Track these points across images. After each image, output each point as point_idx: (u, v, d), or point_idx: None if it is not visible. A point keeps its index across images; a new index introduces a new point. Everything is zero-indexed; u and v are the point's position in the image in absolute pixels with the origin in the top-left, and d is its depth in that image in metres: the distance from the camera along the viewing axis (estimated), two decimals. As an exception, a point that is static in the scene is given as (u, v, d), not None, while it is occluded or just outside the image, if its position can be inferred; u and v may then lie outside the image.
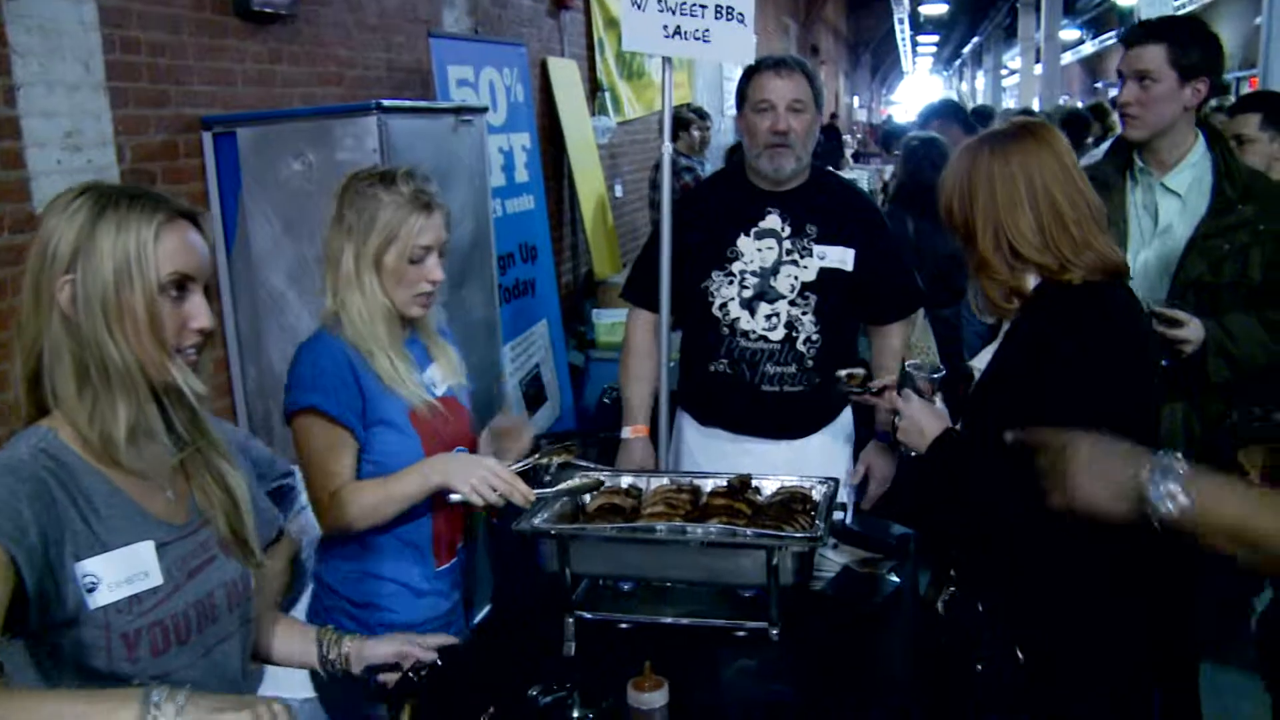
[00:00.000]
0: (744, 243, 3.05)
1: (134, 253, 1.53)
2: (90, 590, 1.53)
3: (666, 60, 3.20)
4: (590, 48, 8.18)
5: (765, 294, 3.04)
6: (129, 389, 1.56)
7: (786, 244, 3.05)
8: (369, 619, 2.35)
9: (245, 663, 1.80)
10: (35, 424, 1.58)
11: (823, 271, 3.04)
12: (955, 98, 15.74)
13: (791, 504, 2.51)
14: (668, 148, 3.29)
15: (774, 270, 3.04)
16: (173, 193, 3.44)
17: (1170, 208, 2.99)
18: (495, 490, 2.19)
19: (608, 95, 8.31)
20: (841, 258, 3.05)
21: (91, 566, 1.52)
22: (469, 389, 2.53)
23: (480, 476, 2.19)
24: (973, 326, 5.27)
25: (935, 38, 34.42)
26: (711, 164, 8.74)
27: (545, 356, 5.78)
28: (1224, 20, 16.00)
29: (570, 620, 2.37)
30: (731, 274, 3.05)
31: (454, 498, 2.22)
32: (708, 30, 3.07)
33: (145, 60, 3.57)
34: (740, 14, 3.09)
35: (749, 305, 3.04)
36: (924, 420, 2.30)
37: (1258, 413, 2.95)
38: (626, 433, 3.21)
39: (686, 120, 7.74)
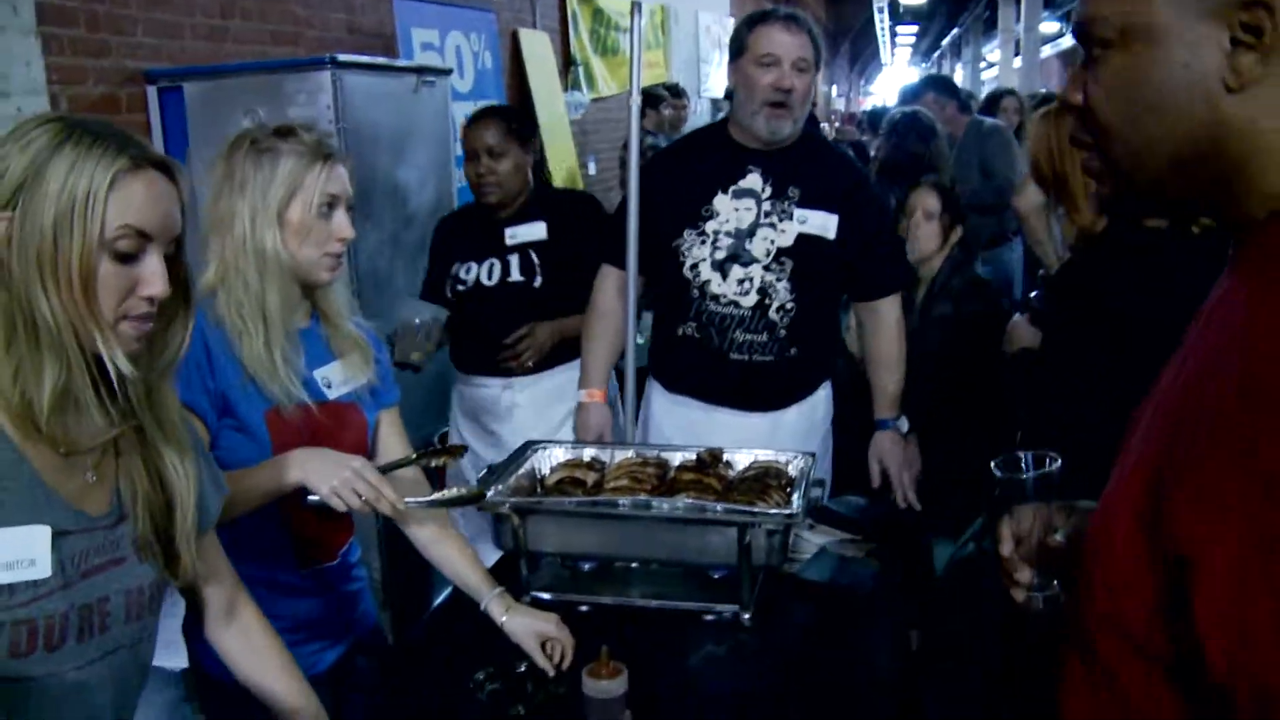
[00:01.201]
0: (721, 201, 2.87)
1: (81, 198, 1.30)
2: None
3: (636, 5, 3.01)
4: (564, 21, 7.97)
5: (739, 256, 2.85)
6: (58, 351, 1.33)
7: (766, 205, 2.87)
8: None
9: (142, 672, 1.58)
10: None
11: (801, 237, 2.85)
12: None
13: (766, 479, 2.34)
14: (635, 100, 3.09)
15: (750, 232, 2.86)
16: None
17: None
18: (360, 495, 1.88)
19: (581, 70, 8.11)
20: (823, 224, 2.86)
21: None
22: (382, 396, 2.20)
23: (344, 479, 1.87)
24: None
25: (914, 28, 34.27)
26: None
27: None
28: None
29: (526, 602, 2.18)
30: (705, 234, 2.87)
31: (311, 499, 1.91)
32: None
33: (81, 6, 3.35)
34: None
35: (720, 267, 2.86)
36: None
37: None
38: (581, 396, 3.02)
39: (658, 97, 7.51)
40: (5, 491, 1.33)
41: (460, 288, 3.34)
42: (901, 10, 28.19)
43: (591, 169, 8.23)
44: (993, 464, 1.33)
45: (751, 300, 2.86)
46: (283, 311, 1.94)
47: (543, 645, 2.01)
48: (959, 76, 33.45)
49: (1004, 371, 3.16)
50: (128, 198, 1.33)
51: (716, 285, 2.86)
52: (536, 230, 3.33)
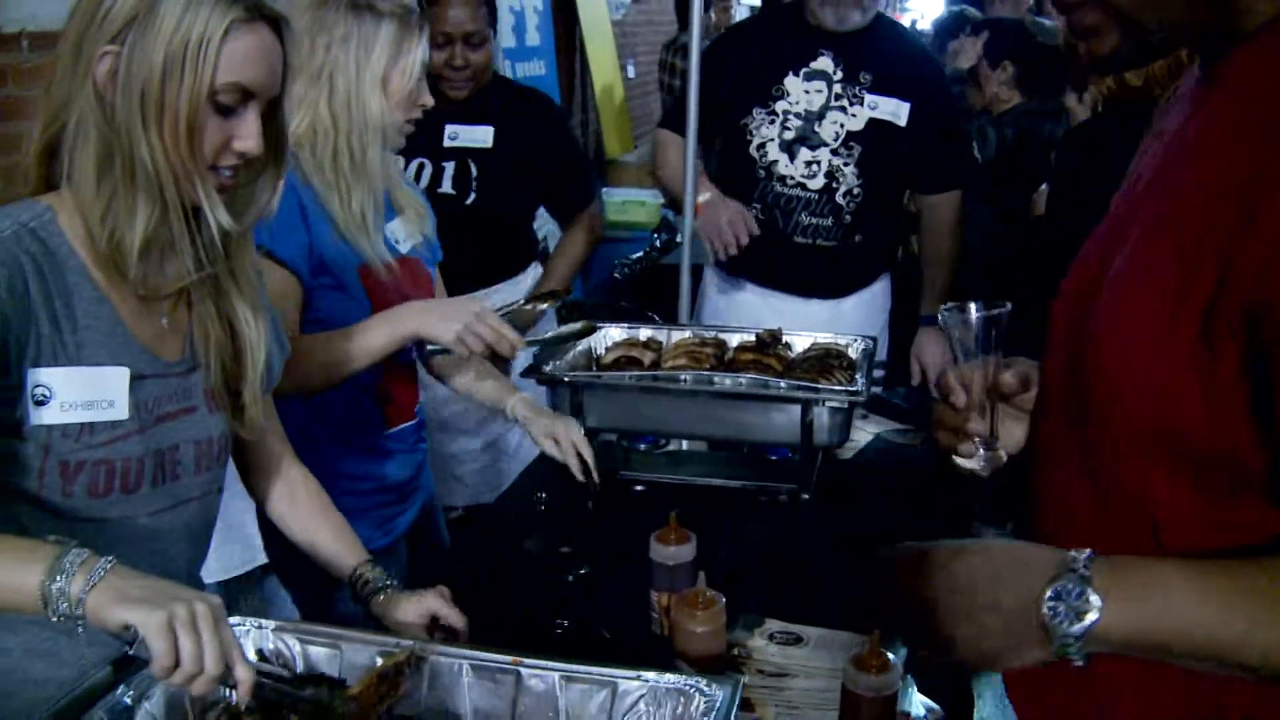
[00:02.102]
0: (791, 82, 2.82)
1: (194, 43, 1.26)
2: (40, 403, 1.29)
3: None
4: (607, -84, 7.80)
5: (808, 139, 2.81)
6: (153, 194, 1.31)
7: (837, 88, 2.81)
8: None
9: (210, 526, 1.57)
10: (35, 199, 1.33)
11: (871, 122, 2.81)
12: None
13: (828, 359, 2.30)
14: None
15: (820, 115, 2.81)
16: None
17: None
18: (482, 338, 1.87)
19: (622, -32, 7.95)
20: (895, 110, 2.81)
21: (47, 377, 1.29)
22: (436, 249, 2.19)
23: (466, 323, 1.86)
24: None
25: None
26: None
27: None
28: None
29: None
30: (774, 113, 2.82)
31: (431, 348, 1.93)
32: None
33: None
34: None
35: (789, 148, 2.82)
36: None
37: None
38: (704, 196, 2.82)
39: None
40: (88, 330, 1.33)
41: None
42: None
43: (630, 71, 8.11)
44: (942, 309, 1.27)
45: (819, 183, 2.82)
46: (381, 172, 1.94)
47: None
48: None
49: None
50: (239, 50, 1.30)
51: (784, 166, 2.82)
52: (481, 135, 2.85)
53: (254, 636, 1.38)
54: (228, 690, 1.15)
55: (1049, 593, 0.91)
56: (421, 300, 1.97)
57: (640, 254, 5.26)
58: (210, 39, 1.26)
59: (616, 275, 5.06)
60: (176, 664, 1.08)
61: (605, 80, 7.13)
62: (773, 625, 1.69)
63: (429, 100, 1.98)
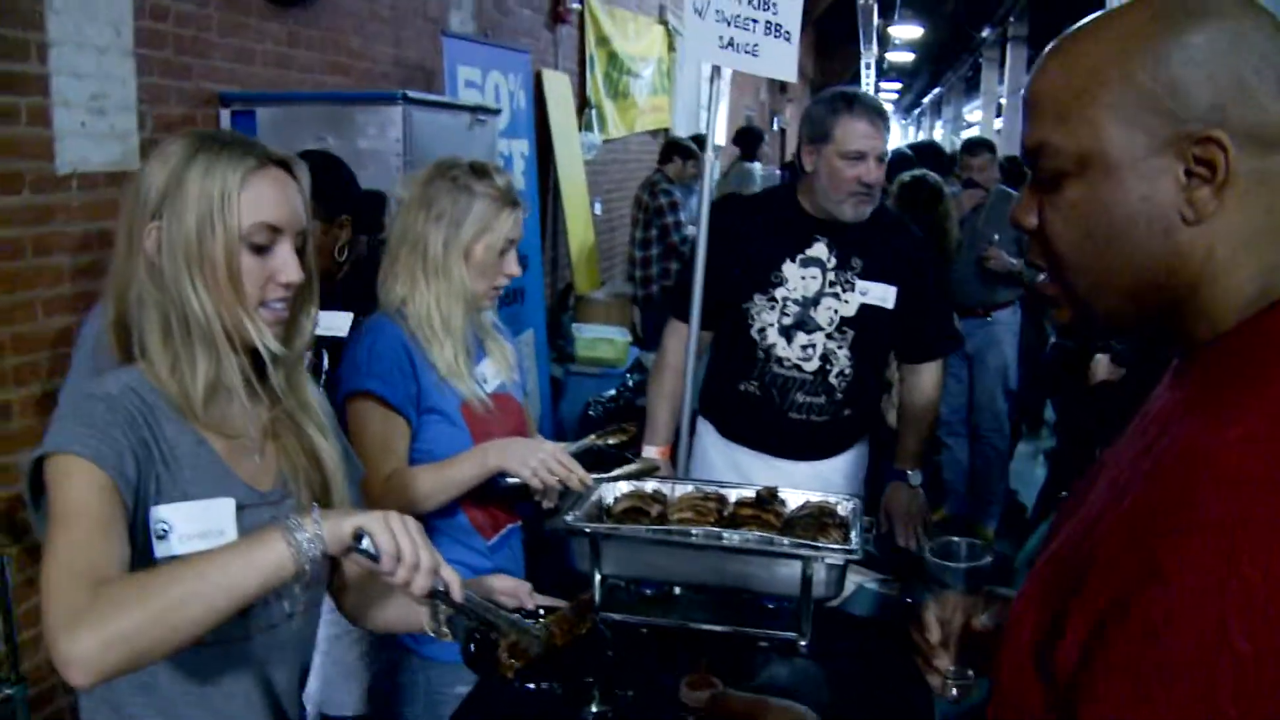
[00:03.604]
0: (789, 268, 3.01)
1: (218, 200, 1.46)
2: (160, 537, 1.46)
3: (716, 69, 3.21)
4: (582, 63, 8.19)
5: (804, 324, 3.02)
6: (209, 343, 1.50)
7: (831, 275, 3.01)
8: None
9: (311, 640, 1.75)
10: (126, 366, 1.53)
11: (863, 307, 2.99)
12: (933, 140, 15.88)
13: (823, 518, 2.51)
14: (710, 156, 3.26)
15: (815, 301, 3.01)
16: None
17: None
18: (554, 474, 2.18)
19: (594, 113, 8.32)
20: (883, 295, 3.00)
21: (166, 513, 1.46)
22: (522, 386, 2.50)
23: (540, 460, 2.18)
24: None
25: (898, 85, 34.85)
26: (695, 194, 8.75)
27: (530, 366, 5.76)
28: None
29: (596, 619, 2.33)
30: (774, 299, 3.02)
31: (510, 481, 2.20)
32: (757, 45, 3.06)
33: (172, 30, 3.52)
34: (788, 32, 3.08)
35: (787, 333, 3.03)
36: None
37: None
38: (651, 452, 3.13)
39: (688, 150, 7.66)
40: (193, 470, 1.51)
41: None
42: (886, 67, 28.67)
43: (598, 209, 8.42)
44: (927, 550, 1.39)
45: (814, 365, 3.00)
46: (463, 329, 2.24)
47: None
48: (938, 134, 33.99)
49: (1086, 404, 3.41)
50: (259, 194, 1.50)
51: (782, 349, 3.00)
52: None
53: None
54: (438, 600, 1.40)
55: None
56: (502, 439, 2.26)
57: (614, 391, 5.48)
58: (231, 192, 1.47)
59: (591, 413, 5.27)
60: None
61: (579, 219, 7.42)
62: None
63: (516, 270, 2.30)
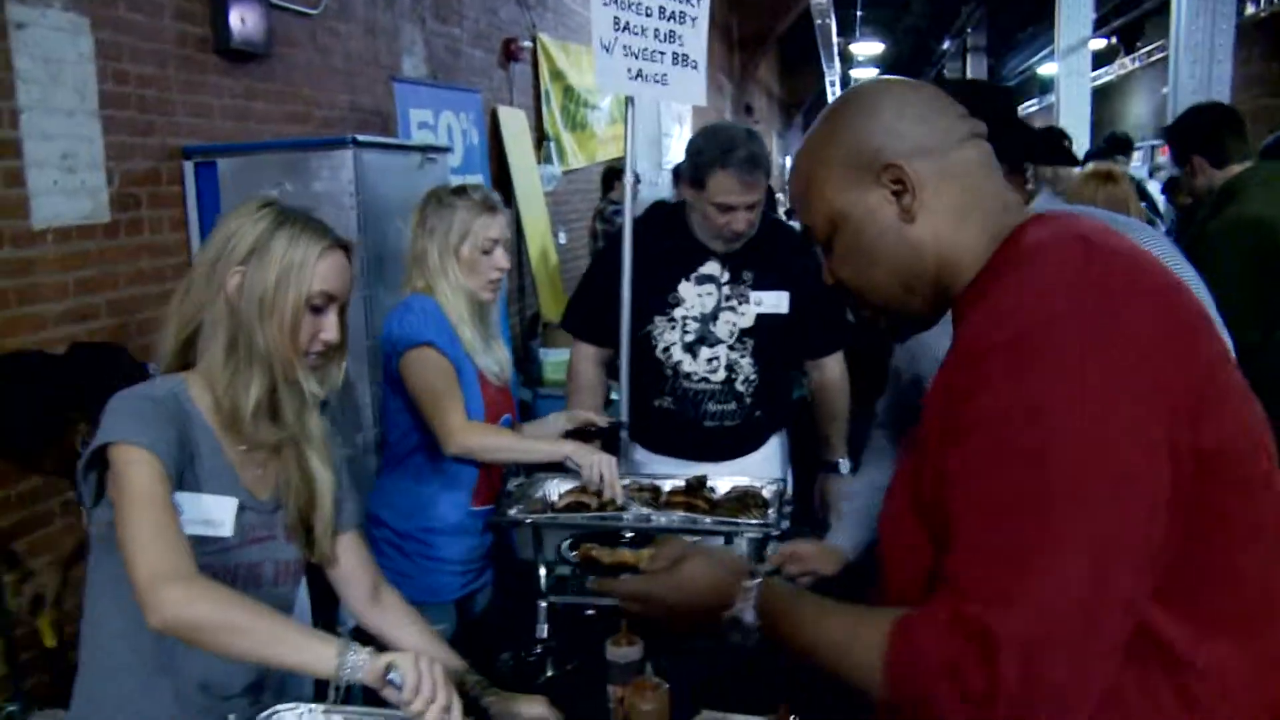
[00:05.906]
0: (685, 288, 3.14)
1: (298, 265, 1.82)
2: None
3: (629, 99, 3.43)
4: (537, 98, 8.46)
5: (706, 338, 3.16)
6: (264, 371, 1.83)
7: (725, 289, 3.14)
8: (413, 551, 2.76)
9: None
10: (171, 375, 1.85)
11: (760, 317, 3.15)
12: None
13: (746, 499, 2.74)
14: (629, 178, 3.46)
15: (713, 316, 3.15)
16: (155, 217, 3.68)
17: None
18: (603, 476, 2.56)
19: (553, 145, 8.58)
20: (777, 302, 3.15)
21: (181, 499, 1.74)
22: (514, 388, 2.89)
23: (598, 461, 2.58)
24: None
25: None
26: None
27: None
28: (1138, 91, 16.73)
29: (543, 605, 2.57)
30: (674, 319, 3.16)
31: (570, 465, 2.62)
32: (666, 74, 3.26)
33: (134, 91, 3.77)
34: (694, 61, 3.31)
35: (690, 349, 3.17)
36: None
37: None
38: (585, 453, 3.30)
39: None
40: (209, 471, 1.82)
41: None
42: (851, 84, 29.01)
43: (562, 238, 8.66)
44: None
45: (720, 376, 3.17)
46: (470, 317, 2.73)
47: None
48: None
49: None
50: (326, 268, 1.86)
51: (688, 365, 3.16)
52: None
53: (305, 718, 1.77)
54: None
55: (730, 612, 1.47)
56: (577, 443, 2.69)
57: (579, 410, 5.68)
58: (307, 261, 1.83)
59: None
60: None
61: (539, 249, 7.66)
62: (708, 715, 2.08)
63: (504, 264, 2.72)
